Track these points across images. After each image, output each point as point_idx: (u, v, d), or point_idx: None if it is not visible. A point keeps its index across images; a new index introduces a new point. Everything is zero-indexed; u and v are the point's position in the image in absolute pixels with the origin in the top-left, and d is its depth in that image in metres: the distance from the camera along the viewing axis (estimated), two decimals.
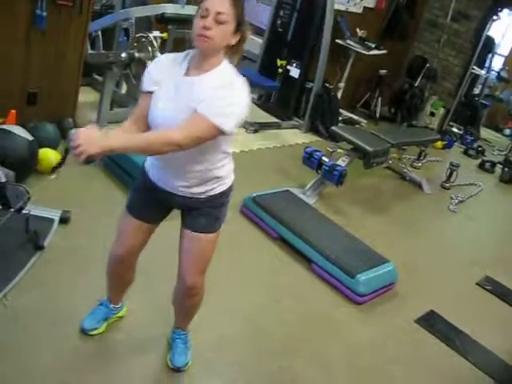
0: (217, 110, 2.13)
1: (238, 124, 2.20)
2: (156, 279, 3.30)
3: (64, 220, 3.61)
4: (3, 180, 3.22)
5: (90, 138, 2.01)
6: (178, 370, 2.77)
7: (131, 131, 2.30)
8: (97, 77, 5.92)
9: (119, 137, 2.18)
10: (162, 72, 2.30)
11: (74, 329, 2.83)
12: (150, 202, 2.52)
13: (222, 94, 2.15)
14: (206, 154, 2.29)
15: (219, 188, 2.44)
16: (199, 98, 2.16)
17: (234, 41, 2.22)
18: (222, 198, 2.48)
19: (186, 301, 2.67)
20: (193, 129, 2.14)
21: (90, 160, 2.01)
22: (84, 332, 2.82)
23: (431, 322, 3.77)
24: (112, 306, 2.91)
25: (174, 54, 2.35)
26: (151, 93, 2.30)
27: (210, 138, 2.17)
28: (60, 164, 2.58)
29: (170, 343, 2.86)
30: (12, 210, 3.23)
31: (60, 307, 2.95)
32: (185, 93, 2.21)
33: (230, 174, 2.48)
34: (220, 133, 2.16)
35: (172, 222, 2.62)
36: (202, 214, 2.46)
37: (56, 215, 3.59)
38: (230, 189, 2.51)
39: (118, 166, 4.31)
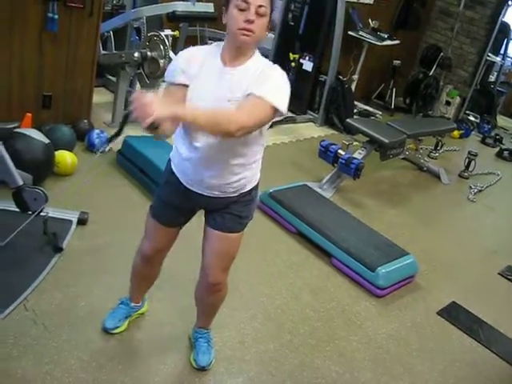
0: (271, 91, 2.13)
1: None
2: (177, 278, 3.30)
3: (82, 221, 3.62)
4: (21, 183, 3.23)
5: (163, 104, 1.94)
6: (202, 370, 2.76)
7: None
8: (110, 77, 5.94)
9: (185, 107, 2.15)
10: (199, 65, 2.24)
11: (96, 329, 2.83)
12: (177, 209, 2.49)
13: (270, 77, 2.17)
14: (249, 145, 2.29)
15: (250, 184, 2.42)
16: (244, 86, 2.16)
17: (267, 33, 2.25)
18: (251, 195, 2.46)
19: (209, 296, 2.66)
20: (254, 110, 2.12)
21: (154, 125, 1.89)
22: (106, 331, 2.83)
23: (453, 313, 3.73)
24: (133, 304, 2.91)
25: (206, 47, 2.34)
26: (184, 86, 2.23)
27: (269, 119, 2.19)
28: (117, 134, 2.57)
29: (193, 342, 2.85)
30: (30, 212, 3.26)
31: (80, 308, 2.96)
32: (226, 84, 2.19)
33: (259, 171, 2.48)
34: (277, 113, 2.17)
35: (192, 223, 2.61)
36: (230, 213, 2.44)
37: (74, 217, 3.60)
38: (257, 186, 2.51)
39: (135, 165, 4.31)
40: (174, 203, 2.47)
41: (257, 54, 2.26)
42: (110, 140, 3.19)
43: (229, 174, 2.32)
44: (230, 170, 2.31)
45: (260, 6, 2.10)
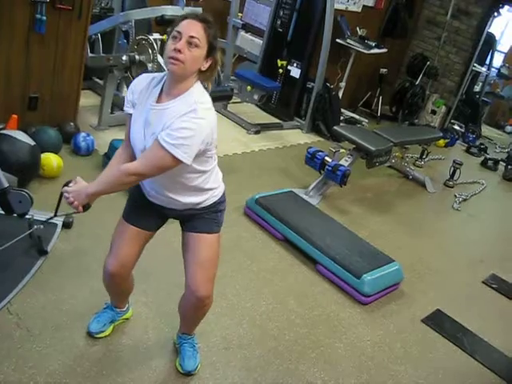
0: (174, 140, 2.11)
1: (197, 153, 2.17)
2: (162, 283, 3.29)
3: (67, 224, 3.60)
4: (6, 185, 3.20)
5: (78, 191, 2.31)
6: (188, 374, 2.75)
7: (123, 157, 2.40)
8: (97, 80, 5.91)
9: (94, 183, 2.33)
10: (138, 95, 2.31)
11: (80, 333, 2.81)
12: (147, 211, 2.51)
13: (184, 124, 2.12)
14: (177, 177, 2.30)
15: (211, 199, 2.46)
16: (163, 126, 2.16)
17: (206, 65, 2.21)
18: (216, 207, 2.49)
19: (196, 311, 2.65)
20: (151, 158, 2.19)
21: (86, 207, 2.38)
22: (91, 335, 2.81)
23: (438, 321, 3.75)
24: (118, 309, 2.90)
25: (152, 75, 2.36)
26: (131, 114, 2.34)
27: (170, 166, 2.17)
28: (55, 215, 2.66)
29: (178, 347, 2.84)
30: (15, 215, 3.23)
31: (65, 312, 2.93)
32: (152, 121, 2.22)
33: (218, 185, 2.49)
34: (178, 162, 2.15)
35: (174, 227, 2.60)
36: (199, 217, 2.47)
37: (59, 220, 3.57)
38: (222, 198, 2.53)
39: None
40: (143, 204, 2.50)
41: (193, 88, 2.22)
42: (47, 220, 3.21)
43: (180, 194, 2.38)
44: (178, 192, 2.38)
45: (192, 37, 2.11)
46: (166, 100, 2.22)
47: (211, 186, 2.43)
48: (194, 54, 2.13)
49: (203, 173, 2.35)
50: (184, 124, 2.11)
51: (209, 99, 2.25)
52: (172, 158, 2.12)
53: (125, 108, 2.38)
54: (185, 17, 2.17)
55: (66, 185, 2.37)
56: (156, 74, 2.35)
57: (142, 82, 2.35)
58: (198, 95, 2.20)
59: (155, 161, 2.17)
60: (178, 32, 2.12)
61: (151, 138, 2.20)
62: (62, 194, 2.38)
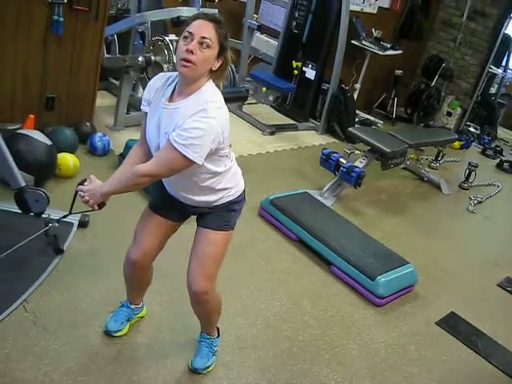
0: (184, 141, 2.12)
1: (208, 152, 2.18)
2: (177, 281, 3.29)
3: (83, 224, 3.63)
4: (23, 184, 3.23)
5: (93, 190, 2.36)
6: (195, 372, 2.76)
7: (138, 154, 2.44)
8: (113, 81, 5.95)
9: (108, 182, 2.38)
10: (153, 94, 2.35)
11: (96, 331, 2.84)
12: (170, 202, 2.53)
13: (194, 124, 2.12)
14: (190, 176, 2.32)
15: (225, 198, 2.47)
16: (176, 126, 2.17)
17: (216, 65, 2.22)
18: (230, 206, 2.50)
19: (196, 306, 2.65)
20: (164, 159, 2.21)
21: (101, 205, 2.42)
22: (108, 333, 2.83)
23: (452, 323, 3.73)
24: (133, 306, 2.91)
25: (168, 75, 2.37)
26: (147, 113, 2.38)
27: (182, 167, 2.19)
28: (69, 213, 2.70)
29: (197, 345, 2.85)
30: (32, 213, 3.26)
31: (80, 310, 2.96)
32: (165, 119, 2.24)
33: (233, 185, 2.50)
34: (190, 162, 2.16)
35: (190, 229, 2.61)
36: (212, 213, 2.49)
37: (75, 219, 3.60)
38: (239, 198, 2.54)
39: None
40: (168, 197, 2.53)
41: (205, 87, 2.23)
42: (62, 218, 3.24)
43: (194, 193, 2.42)
44: (193, 191, 2.41)
45: (203, 38, 2.12)
46: (177, 99, 2.24)
47: (224, 186, 2.44)
48: (205, 55, 2.14)
49: (216, 174, 2.37)
50: (194, 124, 2.12)
51: (220, 98, 2.26)
52: (183, 158, 2.13)
53: (141, 106, 2.41)
54: (196, 17, 2.18)
55: (81, 183, 2.40)
56: (172, 73, 2.36)
57: (158, 81, 2.37)
58: (209, 94, 2.21)
59: (167, 161, 2.19)
60: (190, 33, 2.13)
61: (164, 137, 2.22)
62: (76, 193, 2.43)
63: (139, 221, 2.63)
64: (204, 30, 2.13)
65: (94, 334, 2.82)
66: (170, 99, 2.27)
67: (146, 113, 2.38)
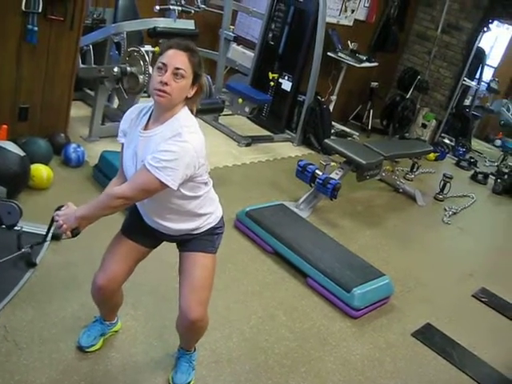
0: (157, 163, 2.13)
1: (184, 177, 2.18)
2: (150, 296, 3.27)
3: (56, 236, 3.56)
4: None
5: (67, 215, 2.30)
6: None
7: (117, 185, 2.40)
8: (88, 91, 5.90)
9: (83, 207, 2.32)
10: (129, 124, 2.37)
11: (68, 346, 2.79)
12: (144, 229, 2.51)
13: (167, 147, 2.14)
14: (166, 203, 2.32)
15: (206, 226, 2.47)
16: (151, 149, 2.18)
17: (191, 92, 2.24)
18: (213, 230, 2.51)
19: (189, 332, 2.64)
20: (138, 182, 2.21)
21: (75, 232, 2.34)
22: (81, 349, 2.78)
23: (428, 335, 3.74)
24: (107, 322, 2.87)
25: (143, 106, 2.38)
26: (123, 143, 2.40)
27: (155, 189, 2.19)
28: (44, 240, 2.68)
29: (175, 361, 2.82)
30: (4, 226, 3.20)
31: (53, 324, 2.90)
32: (141, 147, 2.25)
33: (213, 211, 2.50)
34: (163, 185, 2.15)
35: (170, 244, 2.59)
36: (194, 239, 2.49)
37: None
38: (219, 224, 2.54)
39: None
40: (141, 223, 2.51)
41: (179, 113, 2.25)
42: (34, 245, 3.23)
43: (172, 220, 2.40)
44: (170, 217, 2.40)
45: (177, 69, 2.14)
46: (153, 127, 2.25)
47: (205, 211, 2.44)
48: (180, 85, 2.16)
49: (194, 198, 2.36)
50: (168, 147, 2.14)
51: (195, 123, 2.27)
52: (156, 180, 2.13)
53: (118, 137, 2.42)
54: (169, 46, 2.19)
55: (58, 209, 2.37)
56: (146, 104, 2.37)
57: (133, 112, 2.39)
58: (183, 120, 2.23)
59: (141, 184, 2.19)
60: (164, 64, 2.15)
61: (140, 166, 2.22)
62: (53, 218, 2.39)
63: (109, 245, 2.59)
64: (177, 60, 2.15)
65: (67, 349, 2.77)
66: (146, 127, 2.28)
67: (123, 144, 2.39)
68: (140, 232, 2.53)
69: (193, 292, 2.47)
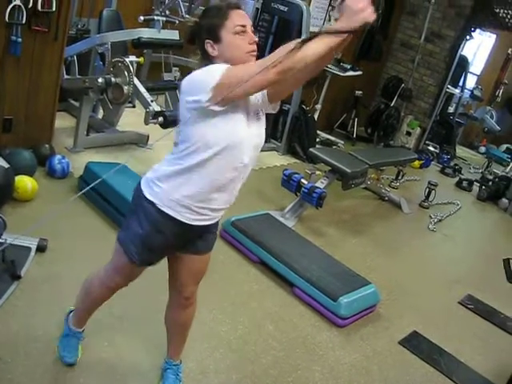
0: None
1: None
2: (140, 309, 3.25)
3: (41, 248, 3.54)
4: None
5: None
6: None
7: None
8: (73, 102, 5.88)
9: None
10: None
11: (54, 360, 2.76)
12: (169, 248, 2.41)
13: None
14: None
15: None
16: None
17: None
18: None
19: (183, 312, 2.64)
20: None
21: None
22: (69, 365, 2.73)
23: (415, 342, 3.75)
24: (79, 330, 2.76)
25: None
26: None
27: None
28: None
29: (162, 373, 2.80)
30: None
31: (38, 337, 2.87)
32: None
33: None
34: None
35: None
36: (211, 232, 2.46)
37: (33, 244, 3.52)
38: None
39: (97, 191, 4.22)
40: (168, 246, 2.38)
41: None
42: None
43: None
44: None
45: (251, 26, 2.18)
46: None
47: None
48: None
49: None
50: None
51: None
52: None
53: None
54: (232, 7, 2.17)
55: None
56: None
57: None
58: None
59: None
60: (243, 25, 2.14)
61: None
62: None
63: (124, 264, 2.41)
64: (246, 18, 2.19)
65: (52, 363, 2.74)
66: None
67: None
68: (162, 255, 2.45)
69: (192, 278, 2.54)
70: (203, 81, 2.06)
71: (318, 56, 1.94)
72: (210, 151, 2.13)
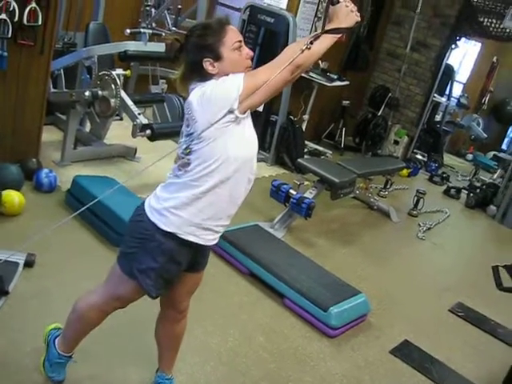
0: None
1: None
2: (130, 324, 3.23)
3: (29, 263, 3.52)
4: None
5: None
6: None
7: None
8: (60, 115, 5.86)
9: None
10: None
11: (42, 376, 2.73)
12: (180, 271, 2.39)
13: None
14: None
15: None
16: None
17: None
18: None
19: (176, 327, 2.64)
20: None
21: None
22: (59, 382, 2.70)
23: (406, 351, 3.75)
24: (69, 355, 2.67)
25: None
26: None
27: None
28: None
29: None
30: None
31: (26, 354, 2.85)
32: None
33: None
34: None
35: None
36: (210, 247, 2.46)
37: (21, 259, 3.49)
38: None
39: (84, 205, 4.19)
40: (180, 271, 2.37)
41: None
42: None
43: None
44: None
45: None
46: None
47: None
48: None
49: None
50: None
51: None
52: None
53: None
54: (225, 23, 2.23)
55: None
56: None
57: None
58: None
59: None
60: (239, 41, 2.19)
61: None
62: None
63: (131, 291, 2.39)
64: (239, 33, 2.25)
65: (41, 379, 2.72)
66: None
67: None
68: (175, 280, 2.43)
69: (187, 292, 2.56)
70: (226, 91, 2.09)
71: (321, 53, 2.17)
72: (230, 167, 2.16)
